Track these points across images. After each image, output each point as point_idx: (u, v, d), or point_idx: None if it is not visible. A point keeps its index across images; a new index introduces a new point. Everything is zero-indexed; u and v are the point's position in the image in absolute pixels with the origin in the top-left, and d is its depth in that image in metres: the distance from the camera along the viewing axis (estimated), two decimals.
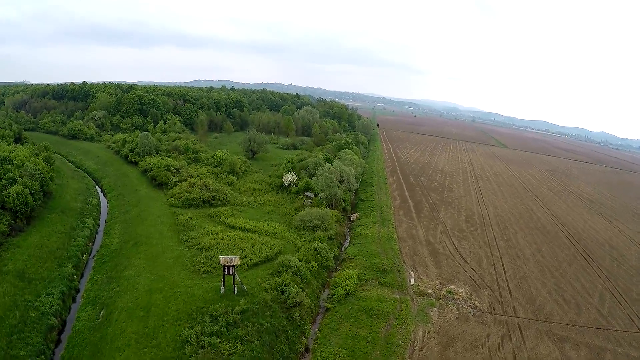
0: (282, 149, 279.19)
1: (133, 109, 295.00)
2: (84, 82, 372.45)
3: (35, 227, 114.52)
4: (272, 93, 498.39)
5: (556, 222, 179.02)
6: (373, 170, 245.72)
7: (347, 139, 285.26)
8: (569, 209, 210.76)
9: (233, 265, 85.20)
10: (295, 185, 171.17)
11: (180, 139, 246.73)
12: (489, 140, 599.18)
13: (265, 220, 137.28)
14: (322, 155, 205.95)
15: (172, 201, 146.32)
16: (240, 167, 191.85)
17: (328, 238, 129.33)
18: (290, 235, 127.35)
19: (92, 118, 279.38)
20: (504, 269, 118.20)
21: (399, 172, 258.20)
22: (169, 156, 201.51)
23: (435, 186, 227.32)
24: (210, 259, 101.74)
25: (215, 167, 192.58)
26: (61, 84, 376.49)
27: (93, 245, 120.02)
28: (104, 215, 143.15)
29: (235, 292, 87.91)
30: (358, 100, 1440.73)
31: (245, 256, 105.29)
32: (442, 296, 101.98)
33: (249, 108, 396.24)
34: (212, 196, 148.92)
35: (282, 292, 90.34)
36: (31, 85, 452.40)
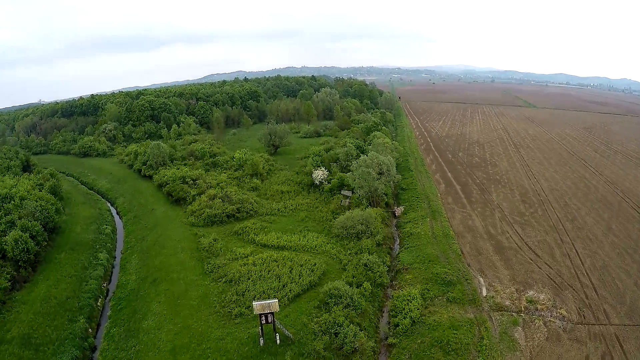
0: (305, 137, 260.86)
1: (144, 116, 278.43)
2: (92, 95, 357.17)
3: (43, 274, 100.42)
4: (287, 79, 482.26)
5: (615, 191, 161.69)
6: (407, 151, 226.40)
7: (375, 119, 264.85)
8: (623, 173, 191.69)
9: (271, 313, 67.81)
10: (328, 182, 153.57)
11: (196, 141, 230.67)
12: (515, 101, 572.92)
13: (300, 231, 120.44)
14: (351, 142, 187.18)
15: (192, 220, 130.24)
16: (263, 167, 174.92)
17: (376, 244, 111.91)
18: (332, 248, 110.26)
19: (103, 132, 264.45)
20: (580, 259, 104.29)
21: (433, 149, 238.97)
22: (184, 164, 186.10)
23: (477, 162, 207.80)
24: (243, 295, 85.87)
25: (236, 170, 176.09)
26: (69, 101, 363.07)
27: (109, 283, 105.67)
28: (119, 244, 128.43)
29: (278, 341, 71.07)
30: (373, 73, 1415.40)
31: (283, 286, 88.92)
32: (523, 308, 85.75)
33: (264, 97, 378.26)
34: (237, 209, 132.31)
35: (336, 334, 72.88)
36: (41, 105, 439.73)
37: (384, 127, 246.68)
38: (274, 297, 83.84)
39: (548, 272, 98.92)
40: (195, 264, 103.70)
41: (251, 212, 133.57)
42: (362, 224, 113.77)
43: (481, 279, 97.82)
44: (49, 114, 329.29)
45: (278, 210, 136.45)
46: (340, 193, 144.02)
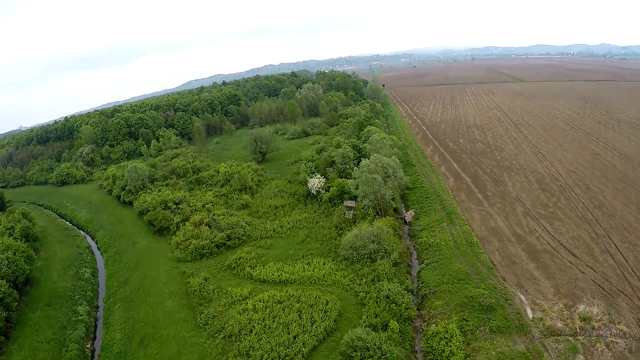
0: (292, 139, 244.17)
1: (121, 135, 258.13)
2: (66, 118, 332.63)
3: (17, 342, 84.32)
4: (267, 78, 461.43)
5: (633, 166, 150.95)
6: (404, 144, 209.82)
7: (365, 112, 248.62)
8: (634, 145, 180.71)
9: None
10: (326, 191, 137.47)
11: (177, 155, 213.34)
12: (501, 77, 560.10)
13: (302, 257, 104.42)
14: (346, 142, 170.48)
15: (178, 254, 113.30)
16: (252, 179, 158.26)
17: (392, 264, 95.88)
18: (344, 276, 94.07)
19: (80, 156, 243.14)
20: (623, 255, 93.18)
21: (431, 137, 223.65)
22: (166, 184, 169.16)
23: (481, 147, 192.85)
24: (247, 356, 69.65)
25: (222, 186, 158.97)
26: (44, 126, 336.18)
27: (94, 342, 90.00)
28: (102, 289, 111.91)
29: None
30: (352, 63, 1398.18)
31: (294, 338, 73.18)
32: (578, 329, 72.79)
33: (245, 100, 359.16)
34: (227, 235, 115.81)
35: None
36: (17, 134, 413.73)
37: (376, 119, 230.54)
38: (285, 354, 68.13)
39: (593, 276, 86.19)
40: (186, 315, 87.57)
41: (243, 237, 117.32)
42: (373, 242, 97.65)
43: (522, 296, 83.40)
44: (25, 142, 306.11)
45: (274, 231, 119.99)
46: (342, 203, 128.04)
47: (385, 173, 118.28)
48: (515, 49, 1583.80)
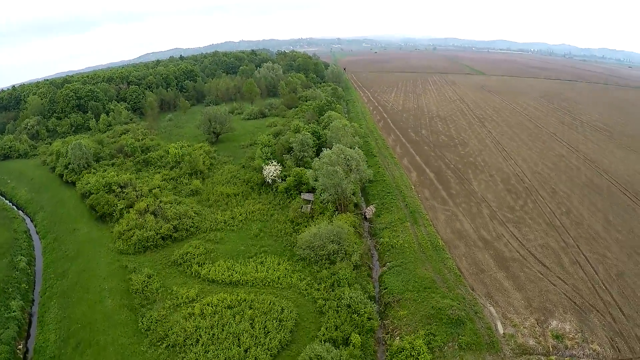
0: (249, 119, 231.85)
1: (69, 107, 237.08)
2: (13, 87, 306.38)
3: None
4: (225, 54, 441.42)
5: (598, 171, 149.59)
6: (365, 132, 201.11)
7: (326, 96, 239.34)
8: (599, 149, 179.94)
9: None
10: (282, 180, 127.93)
11: (127, 132, 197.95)
12: (463, 68, 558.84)
13: (255, 254, 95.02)
14: (306, 127, 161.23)
15: (120, 245, 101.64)
16: (204, 163, 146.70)
17: (353, 267, 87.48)
18: (301, 279, 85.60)
19: (25, 128, 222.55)
20: (592, 267, 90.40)
21: (393, 126, 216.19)
22: (112, 164, 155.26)
23: (444, 140, 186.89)
24: None
25: (172, 168, 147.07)
26: None
27: (27, 342, 78.83)
28: (38, 281, 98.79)
29: None
30: (313, 45, 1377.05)
31: (245, 351, 64.64)
32: (551, 348, 68.64)
33: (202, 76, 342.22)
34: (173, 226, 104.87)
35: None
36: None
37: (338, 104, 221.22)
38: None
39: (564, 289, 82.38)
40: (126, 317, 77.27)
41: (192, 228, 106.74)
42: (333, 242, 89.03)
43: (492, 309, 77.66)
44: None
45: (225, 222, 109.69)
46: (299, 194, 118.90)
47: (348, 166, 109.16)
48: (477, 42, 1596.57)
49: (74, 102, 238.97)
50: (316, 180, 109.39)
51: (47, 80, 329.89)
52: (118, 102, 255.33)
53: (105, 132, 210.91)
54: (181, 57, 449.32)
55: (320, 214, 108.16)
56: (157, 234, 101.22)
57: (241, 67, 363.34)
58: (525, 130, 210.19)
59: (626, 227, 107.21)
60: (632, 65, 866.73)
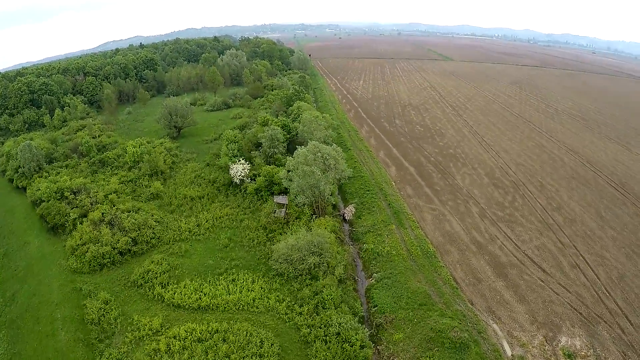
0: (212, 111, 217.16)
1: (22, 102, 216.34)
2: None
3: None
4: (187, 41, 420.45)
5: (582, 162, 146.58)
6: (337, 123, 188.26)
7: (293, 84, 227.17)
8: (578, 138, 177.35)
9: None
10: (252, 180, 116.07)
11: (83, 128, 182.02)
12: (430, 54, 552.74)
13: (226, 270, 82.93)
14: (274, 119, 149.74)
15: (74, 263, 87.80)
16: (165, 162, 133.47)
17: (338, 282, 76.86)
18: (280, 301, 74.17)
19: None
20: (592, 269, 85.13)
21: (364, 116, 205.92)
22: (66, 166, 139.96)
23: (420, 131, 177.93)
24: None
25: (130, 169, 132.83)
26: None
27: None
28: None
29: None
30: (277, 31, 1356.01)
31: None
32: None
33: (163, 65, 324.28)
34: (132, 239, 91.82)
35: None
36: None
37: (306, 94, 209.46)
38: None
39: (568, 298, 75.67)
40: (82, 355, 65.01)
41: (153, 240, 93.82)
42: (313, 254, 77.99)
43: (496, 326, 69.47)
44: None
45: (190, 231, 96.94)
46: (270, 196, 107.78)
47: (325, 164, 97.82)
48: (441, 27, 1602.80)
49: (26, 96, 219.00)
50: (290, 180, 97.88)
51: (0, 73, 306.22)
52: (74, 96, 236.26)
53: (60, 128, 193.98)
54: (141, 45, 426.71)
55: (296, 218, 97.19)
56: (114, 248, 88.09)
57: (203, 55, 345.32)
58: (501, 119, 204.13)
59: (619, 224, 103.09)
60: (595, 51, 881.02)
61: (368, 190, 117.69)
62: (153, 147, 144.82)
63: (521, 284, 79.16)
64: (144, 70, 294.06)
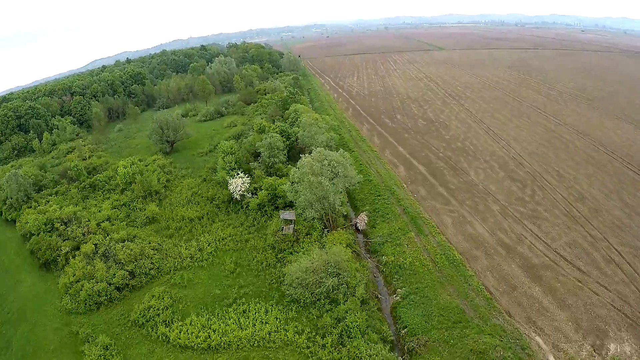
0: (205, 121, 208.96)
1: (9, 128, 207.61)
2: None
3: None
4: (174, 52, 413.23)
5: (594, 145, 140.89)
6: (336, 123, 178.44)
7: (286, 87, 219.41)
8: (585, 119, 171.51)
9: None
10: (253, 194, 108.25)
11: (72, 150, 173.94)
12: (421, 45, 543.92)
13: (235, 300, 74.99)
14: (270, 125, 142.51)
15: (68, 303, 79.46)
16: (159, 180, 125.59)
17: (360, 304, 68.91)
18: (299, 333, 66.18)
19: None
20: (629, 264, 78.40)
21: (364, 113, 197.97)
22: (55, 193, 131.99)
23: (423, 125, 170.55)
24: None
25: (123, 192, 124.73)
26: None
27: None
28: None
29: None
30: (263, 35, 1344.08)
31: None
32: None
33: (151, 78, 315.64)
34: (130, 272, 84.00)
35: None
36: None
37: (302, 95, 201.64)
38: None
39: (609, 298, 69.65)
40: None
41: (152, 271, 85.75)
42: (332, 275, 70.25)
43: (539, 339, 62.64)
44: None
45: (191, 257, 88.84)
46: (275, 210, 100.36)
47: (333, 172, 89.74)
48: (428, 18, 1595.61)
49: (13, 122, 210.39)
50: (296, 192, 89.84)
51: None
52: (62, 117, 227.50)
53: (50, 152, 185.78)
54: (128, 60, 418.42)
55: (307, 235, 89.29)
56: (109, 284, 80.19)
57: (191, 64, 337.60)
58: (504, 105, 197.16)
59: None
60: (584, 29, 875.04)
61: (379, 195, 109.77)
62: (145, 166, 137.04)
63: (558, 287, 72.36)
64: (132, 85, 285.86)
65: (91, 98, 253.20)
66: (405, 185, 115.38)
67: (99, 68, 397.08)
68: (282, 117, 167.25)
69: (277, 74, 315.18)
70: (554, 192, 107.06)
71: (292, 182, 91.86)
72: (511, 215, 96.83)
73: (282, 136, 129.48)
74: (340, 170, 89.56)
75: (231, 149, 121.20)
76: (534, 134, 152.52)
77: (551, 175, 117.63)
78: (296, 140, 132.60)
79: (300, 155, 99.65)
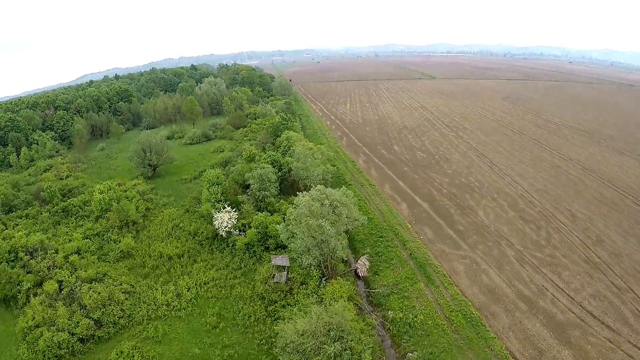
0: (191, 144, 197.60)
1: None
2: None
3: None
4: (163, 71, 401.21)
5: (602, 181, 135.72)
6: (331, 153, 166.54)
7: (277, 111, 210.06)
8: (589, 154, 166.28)
9: None
10: (241, 232, 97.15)
11: (49, 168, 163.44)
12: (412, 73, 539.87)
13: None
14: (261, 155, 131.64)
15: (25, 353, 66.59)
16: (138, 209, 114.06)
17: None
18: None
19: None
20: None
21: (359, 143, 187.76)
22: (26, 215, 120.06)
23: (423, 158, 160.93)
24: None
25: (97, 219, 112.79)
26: None
27: None
28: None
29: None
30: (254, 58, 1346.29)
31: None
32: None
33: (138, 96, 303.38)
34: (96, 320, 72.13)
35: None
36: None
37: (294, 122, 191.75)
38: None
39: None
40: None
41: (122, 320, 73.71)
42: (333, 338, 58.84)
43: None
44: None
45: (168, 305, 76.74)
46: (265, 252, 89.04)
47: (335, 214, 78.63)
48: (417, 47, 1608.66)
49: None
50: (291, 235, 78.49)
51: None
52: (43, 132, 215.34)
53: (27, 168, 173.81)
54: (116, 76, 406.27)
55: (302, 284, 77.63)
56: (72, 334, 68.13)
57: (180, 84, 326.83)
58: (504, 138, 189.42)
59: None
60: (571, 60, 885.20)
61: (381, 237, 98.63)
62: (124, 191, 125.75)
63: (589, 350, 63.42)
64: (118, 102, 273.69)
65: (75, 113, 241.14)
66: (409, 225, 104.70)
67: (86, 83, 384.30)
68: (273, 145, 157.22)
69: (267, 97, 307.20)
70: (570, 235, 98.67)
71: (286, 223, 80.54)
72: (528, 262, 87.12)
73: (273, 167, 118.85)
74: (343, 212, 78.50)
75: (217, 178, 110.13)
76: (539, 170, 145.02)
77: (564, 215, 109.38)
78: (289, 171, 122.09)
79: (296, 190, 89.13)
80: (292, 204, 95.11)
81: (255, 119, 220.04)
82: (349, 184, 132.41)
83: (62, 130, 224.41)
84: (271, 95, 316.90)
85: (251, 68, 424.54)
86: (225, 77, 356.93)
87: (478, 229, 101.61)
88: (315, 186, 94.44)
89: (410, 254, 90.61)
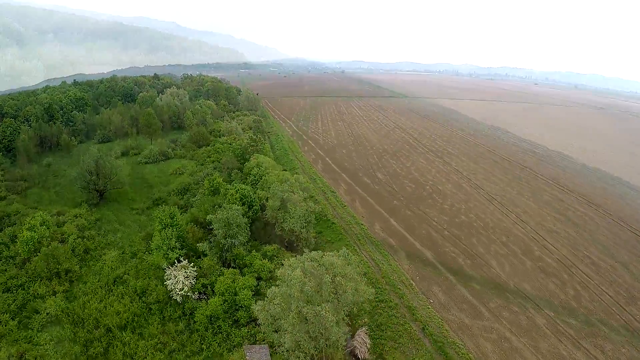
0: (147, 163, 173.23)
1: None
2: None
3: None
4: (124, 79, 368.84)
5: (612, 218, 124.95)
6: (309, 182, 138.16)
7: (244, 129, 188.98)
8: (587, 184, 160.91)
9: None
10: (201, 296, 75.50)
11: None
12: (382, 91, 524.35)
13: None
14: (227, 187, 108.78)
15: None
16: (74, 251, 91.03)
17: None
18: None
19: None
20: None
21: (337, 170, 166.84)
22: None
23: (412, 189, 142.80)
24: None
25: (23, 265, 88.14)
26: None
27: None
28: None
29: None
30: (220, 70, 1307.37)
31: None
32: None
33: (95, 105, 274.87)
34: None
35: None
36: None
37: (265, 143, 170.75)
38: None
39: None
40: None
41: None
42: None
43: None
44: None
45: None
46: (236, 329, 67.94)
47: (337, 292, 57.59)
48: (383, 64, 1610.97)
49: None
50: (274, 320, 57.33)
51: None
52: None
53: None
54: (75, 82, 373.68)
55: None
56: None
57: (141, 94, 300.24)
58: (494, 165, 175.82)
59: None
60: (537, 82, 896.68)
61: (382, 301, 77.72)
62: (62, 224, 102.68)
63: None
64: (72, 111, 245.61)
65: (23, 122, 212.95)
66: (413, 283, 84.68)
67: (40, 88, 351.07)
68: (240, 171, 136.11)
69: (233, 112, 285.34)
70: (599, 292, 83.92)
71: (266, 301, 58.99)
72: (564, 333, 70.31)
73: (243, 204, 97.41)
74: (348, 288, 57.77)
75: (172, 218, 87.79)
76: (543, 205, 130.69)
77: (585, 264, 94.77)
78: (261, 208, 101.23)
79: (269, 235, 67.85)
80: (267, 257, 74.64)
81: (220, 137, 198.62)
82: (332, 222, 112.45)
83: (8, 141, 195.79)
84: (237, 110, 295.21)
85: (217, 80, 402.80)
86: (189, 88, 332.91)
87: (496, 286, 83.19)
88: (296, 231, 74.34)
89: (423, 328, 70.20)
